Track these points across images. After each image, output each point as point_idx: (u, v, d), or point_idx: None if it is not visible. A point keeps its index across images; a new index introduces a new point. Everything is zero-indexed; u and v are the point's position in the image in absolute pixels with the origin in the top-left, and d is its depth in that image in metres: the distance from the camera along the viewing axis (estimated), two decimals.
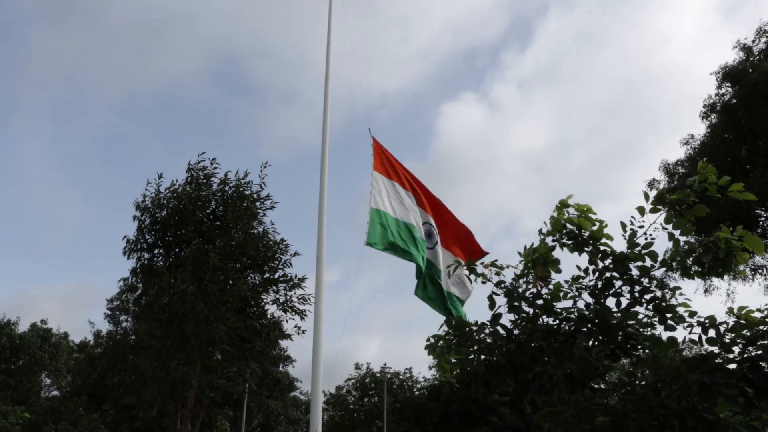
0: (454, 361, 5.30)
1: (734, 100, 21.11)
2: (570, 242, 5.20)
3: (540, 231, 5.36)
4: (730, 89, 21.41)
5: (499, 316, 5.15)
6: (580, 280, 5.19)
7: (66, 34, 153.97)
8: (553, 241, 5.28)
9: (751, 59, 20.92)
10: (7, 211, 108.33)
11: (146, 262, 15.98)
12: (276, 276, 16.15)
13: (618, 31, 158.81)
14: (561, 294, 5.10)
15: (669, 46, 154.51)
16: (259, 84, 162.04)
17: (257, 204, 16.38)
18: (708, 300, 24.67)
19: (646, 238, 5.00)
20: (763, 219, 21.38)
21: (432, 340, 5.31)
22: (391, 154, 9.77)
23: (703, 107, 22.04)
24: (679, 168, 22.57)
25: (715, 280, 22.62)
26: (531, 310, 5.10)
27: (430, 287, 9.18)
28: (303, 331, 16.45)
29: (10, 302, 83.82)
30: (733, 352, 4.71)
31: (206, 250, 15.02)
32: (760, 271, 22.24)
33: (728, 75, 21.29)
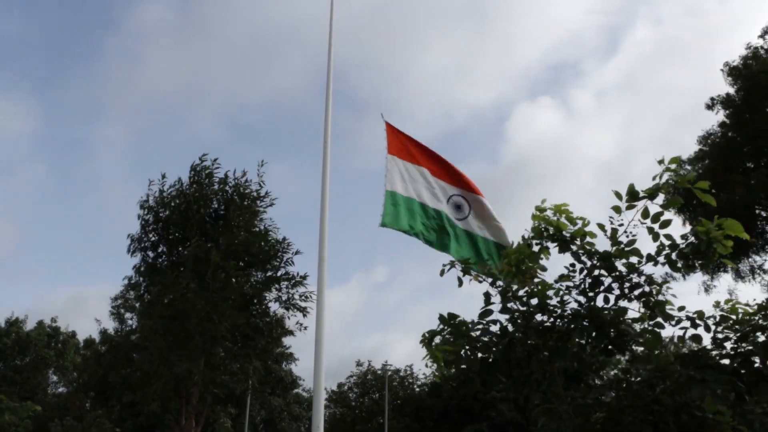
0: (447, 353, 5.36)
1: (737, 99, 21.17)
2: (553, 244, 5.31)
3: (523, 237, 5.48)
4: (733, 86, 21.50)
5: (489, 312, 5.24)
6: (570, 279, 5.28)
7: (179, 50, 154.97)
8: (537, 244, 5.39)
9: (759, 56, 20.96)
10: (86, 218, 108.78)
11: (150, 260, 16.18)
12: (278, 274, 16.35)
13: (700, 44, 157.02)
14: (552, 292, 5.19)
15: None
16: (361, 96, 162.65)
17: (257, 202, 16.65)
18: (709, 299, 24.61)
19: (627, 236, 5.08)
20: (762, 218, 21.37)
21: (427, 335, 5.40)
22: (407, 134, 9.78)
23: (710, 99, 22.09)
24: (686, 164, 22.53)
25: (715, 279, 22.64)
26: (524, 309, 5.19)
27: (465, 248, 9.12)
28: (305, 328, 16.75)
29: (64, 302, 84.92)
30: (725, 347, 4.80)
31: (207, 249, 15.20)
32: (757, 271, 22.24)
33: (733, 71, 21.37)
